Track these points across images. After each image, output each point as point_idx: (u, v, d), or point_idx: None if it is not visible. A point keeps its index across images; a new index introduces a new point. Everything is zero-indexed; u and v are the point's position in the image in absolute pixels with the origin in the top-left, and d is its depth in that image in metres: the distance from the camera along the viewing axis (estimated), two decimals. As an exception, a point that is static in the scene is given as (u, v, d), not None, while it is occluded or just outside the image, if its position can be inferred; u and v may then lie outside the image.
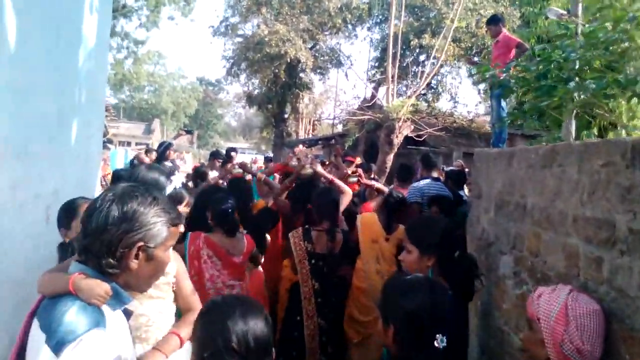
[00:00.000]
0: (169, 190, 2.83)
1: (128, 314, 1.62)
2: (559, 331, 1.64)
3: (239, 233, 3.65)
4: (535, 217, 2.20)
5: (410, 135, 14.87)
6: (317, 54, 22.54)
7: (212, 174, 7.59)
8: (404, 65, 19.17)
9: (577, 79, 3.08)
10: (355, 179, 5.76)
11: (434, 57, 16.44)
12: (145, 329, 2.31)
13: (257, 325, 1.51)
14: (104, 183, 7.27)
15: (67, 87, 4.10)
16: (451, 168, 8.62)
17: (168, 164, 8.18)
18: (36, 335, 1.42)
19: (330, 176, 4.84)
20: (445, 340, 1.69)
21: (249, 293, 3.71)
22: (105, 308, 1.49)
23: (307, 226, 4.05)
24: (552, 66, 3.08)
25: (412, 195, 5.35)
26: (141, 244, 1.49)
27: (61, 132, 4.01)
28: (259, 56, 20.50)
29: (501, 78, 3.60)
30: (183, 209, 3.77)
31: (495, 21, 6.64)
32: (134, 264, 1.50)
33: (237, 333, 1.47)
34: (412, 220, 2.72)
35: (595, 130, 9.09)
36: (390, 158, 14.37)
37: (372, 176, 7.33)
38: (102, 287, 1.47)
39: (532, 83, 3.25)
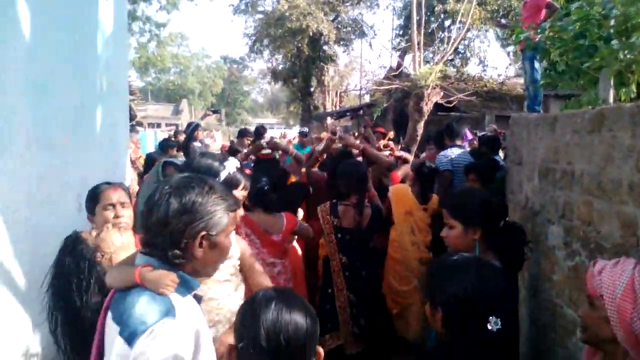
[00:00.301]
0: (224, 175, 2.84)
1: (198, 298, 1.67)
2: (628, 309, 1.48)
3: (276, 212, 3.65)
4: (585, 185, 2.04)
5: (439, 101, 14.57)
6: (339, 26, 22.13)
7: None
8: (429, 31, 18.72)
9: (619, 36, 2.86)
10: (387, 153, 5.64)
11: (460, 22, 15.99)
12: (216, 312, 2.41)
13: (291, 325, 1.36)
14: (135, 167, 7.25)
15: (87, 76, 4.02)
16: (484, 133, 8.40)
17: (197, 144, 8.15)
18: (110, 328, 1.49)
19: (360, 145, 4.74)
20: (499, 322, 1.57)
21: (292, 271, 3.77)
22: (174, 296, 1.53)
23: (334, 200, 3.96)
24: (590, 24, 2.87)
25: (442, 164, 5.25)
26: (204, 233, 1.53)
27: (84, 121, 3.94)
28: (281, 31, 20.27)
29: (536, 40, 3.38)
30: (239, 192, 3.75)
31: (523, -20, 6.33)
32: (198, 252, 1.54)
33: (267, 330, 1.34)
34: (449, 193, 2.57)
35: (633, 87, 8.67)
36: (420, 126, 14.10)
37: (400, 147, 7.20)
38: (168, 277, 1.51)
39: (570, 43, 3.04)
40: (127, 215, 2.66)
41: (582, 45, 2.88)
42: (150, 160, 6.29)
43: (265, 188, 3.57)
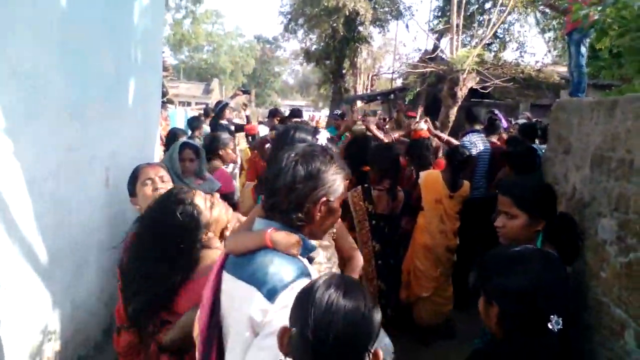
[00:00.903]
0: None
1: (311, 260, 1.77)
2: None
3: None
4: (647, 176, 1.88)
5: (475, 87, 14.22)
6: (376, 6, 21.71)
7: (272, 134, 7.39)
8: (469, 14, 18.25)
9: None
10: (424, 126, 5.44)
11: (502, 4, 15.53)
12: (318, 274, 2.41)
13: (344, 319, 1.19)
14: (164, 144, 7.20)
15: (123, 46, 3.94)
16: (520, 121, 8.16)
17: (224, 122, 8.07)
18: (236, 288, 1.61)
19: (382, 136, 4.60)
20: (560, 322, 1.43)
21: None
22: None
23: (366, 185, 3.82)
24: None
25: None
26: (324, 199, 1.63)
27: (118, 92, 3.87)
28: (317, 10, 19.97)
29: (594, 19, 3.15)
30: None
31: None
32: (317, 216, 1.65)
33: (316, 321, 1.19)
34: (512, 181, 2.42)
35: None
36: (453, 112, 13.81)
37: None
38: (295, 238, 1.62)
39: (632, 22, 2.82)
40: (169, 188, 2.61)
41: (644, 27, 2.66)
42: (172, 136, 6.23)
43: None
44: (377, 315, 1.24)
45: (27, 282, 2.80)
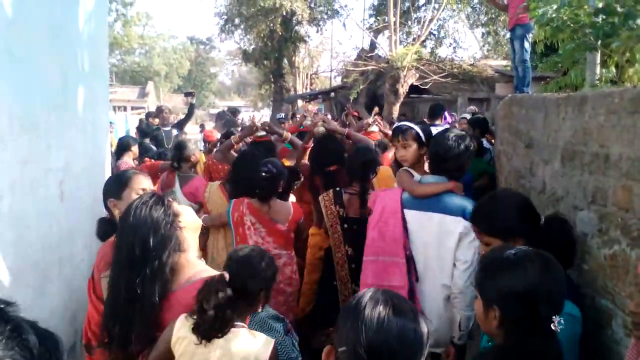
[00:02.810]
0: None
1: None
2: None
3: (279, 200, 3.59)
4: (623, 169, 1.93)
5: (415, 83, 14.52)
6: (312, 5, 21.77)
7: (217, 135, 7.31)
8: (403, 11, 18.56)
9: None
10: (376, 129, 5.47)
11: (436, 1, 15.90)
12: None
13: (398, 334, 1.16)
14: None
15: (69, 52, 3.76)
16: (466, 115, 8.35)
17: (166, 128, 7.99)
18: (431, 218, 2.75)
19: (344, 130, 4.56)
20: (562, 322, 1.45)
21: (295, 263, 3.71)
22: None
23: (337, 188, 3.78)
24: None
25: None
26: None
27: (66, 100, 3.69)
28: (254, 10, 19.88)
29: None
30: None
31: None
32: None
33: (370, 341, 1.15)
34: (476, 206, 2.37)
35: (613, 69, 8.69)
36: (396, 108, 14.07)
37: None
38: (461, 186, 2.81)
39: (587, 20, 2.93)
40: None
41: (598, 24, 2.76)
42: (124, 144, 6.04)
43: (262, 174, 3.41)
44: (425, 329, 1.22)
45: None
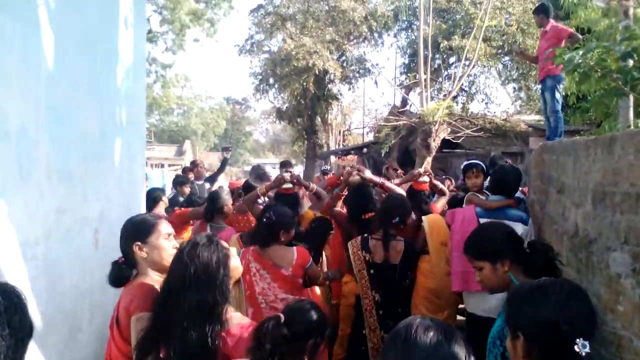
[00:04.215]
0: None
1: None
2: None
3: (282, 245, 3.55)
4: (655, 208, 1.89)
5: (447, 137, 14.55)
6: (344, 64, 22.28)
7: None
8: (434, 68, 18.83)
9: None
10: (427, 179, 5.48)
11: (466, 59, 16.09)
12: None
13: None
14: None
15: (107, 107, 3.92)
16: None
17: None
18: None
19: (379, 179, 4.60)
20: (587, 345, 1.41)
21: None
22: None
23: (365, 235, 3.78)
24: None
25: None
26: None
27: (104, 153, 3.84)
28: (287, 70, 20.36)
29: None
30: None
31: (542, 11, 6.30)
32: None
33: None
34: (467, 238, 2.56)
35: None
36: (428, 162, 14.05)
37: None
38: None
39: (614, 65, 2.93)
40: None
41: (626, 68, 2.76)
42: (152, 196, 6.11)
43: (274, 220, 3.45)
44: (473, 358, 1.22)
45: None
